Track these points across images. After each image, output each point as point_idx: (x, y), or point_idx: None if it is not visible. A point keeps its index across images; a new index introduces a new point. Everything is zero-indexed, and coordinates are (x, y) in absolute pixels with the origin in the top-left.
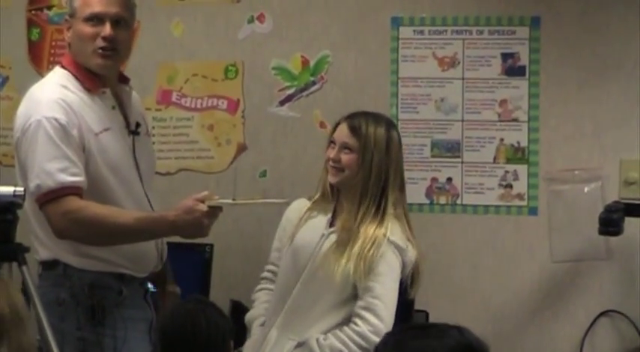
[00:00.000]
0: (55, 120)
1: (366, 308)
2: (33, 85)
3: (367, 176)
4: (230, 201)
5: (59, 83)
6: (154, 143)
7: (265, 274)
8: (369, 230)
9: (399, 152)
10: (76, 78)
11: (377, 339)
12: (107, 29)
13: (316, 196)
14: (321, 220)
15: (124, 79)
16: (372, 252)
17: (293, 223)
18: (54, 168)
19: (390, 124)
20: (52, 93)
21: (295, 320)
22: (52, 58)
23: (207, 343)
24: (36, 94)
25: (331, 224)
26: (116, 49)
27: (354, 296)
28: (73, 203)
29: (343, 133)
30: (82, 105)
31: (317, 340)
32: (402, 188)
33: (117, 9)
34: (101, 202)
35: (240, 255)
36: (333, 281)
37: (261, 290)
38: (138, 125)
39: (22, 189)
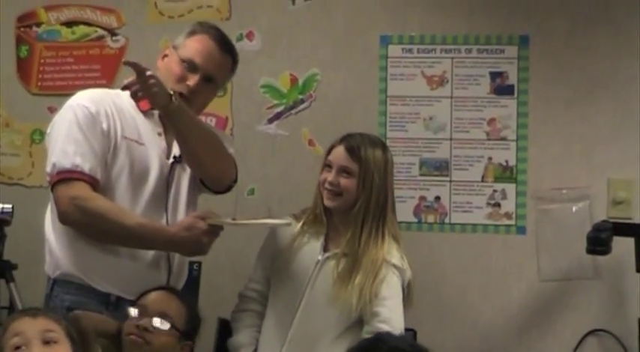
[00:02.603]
0: (86, 107)
1: (374, 334)
2: (21, 102)
3: (368, 199)
4: (230, 220)
5: (114, 92)
6: None
7: (249, 293)
8: (371, 254)
9: (393, 173)
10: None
11: None
12: (195, 80)
13: (304, 218)
14: (313, 245)
15: None
16: (375, 278)
17: (281, 244)
18: (73, 150)
19: (384, 146)
20: (96, 91)
21: (302, 351)
22: (40, 75)
23: None
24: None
25: (325, 248)
26: (192, 100)
27: (359, 322)
28: (83, 190)
29: (341, 156)
30: (123, 111)
31: None
32: (394, 208)
33: (214, 68)
34: (115, 202)
35: (229, 273)
36: (338, 309)
37: (244, 310)
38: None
39: (9, 206)
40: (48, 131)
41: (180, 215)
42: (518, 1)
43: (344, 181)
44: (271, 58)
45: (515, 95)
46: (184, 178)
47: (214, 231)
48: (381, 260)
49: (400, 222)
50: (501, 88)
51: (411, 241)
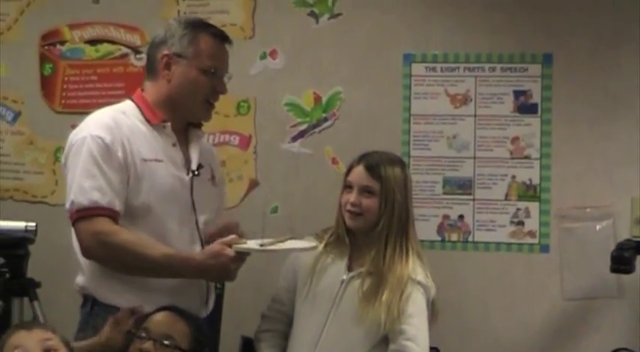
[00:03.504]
0: (100, 139)
1: None
2: (45, 120)
3: (390, 217)
4: (258, 247)
5: (119, 109)
6: None
7: (272, 313)
8: (397, 271)
9: (412, 189)
10: (140, 110)
11: None
12: (224, 87)
13: (327, 239)
14: (338, 265)
15: (197, 123)
16: (401, 295)
17: (304, 265)
18: (90, 186)
19: (403, 163)
20: (105, 115)
21: None
22: (64, 93)
23: None
24: (91, 115)
25: (349, 268)
26: (217, 99)
27: (385, 340)
28: (105, 225)
29: (362, 176)
30: (135, 132)
31: None
32: (414, 224)
33: (227, 64)
34: (145, 229)
35: (252, 291)
36: (365, 327)
37: (267, 331)
38: (200, 166)
39: (33, 224)
40: (63, 161)
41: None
42: (542, 20)
43: (366, 201)
44: (295, 76)
45: (539, 113)
46: (207, 193)
47: (241, 257)
48: (406, 277)
49: (423, 241)
50: (525, 107)
51: (435, 259)
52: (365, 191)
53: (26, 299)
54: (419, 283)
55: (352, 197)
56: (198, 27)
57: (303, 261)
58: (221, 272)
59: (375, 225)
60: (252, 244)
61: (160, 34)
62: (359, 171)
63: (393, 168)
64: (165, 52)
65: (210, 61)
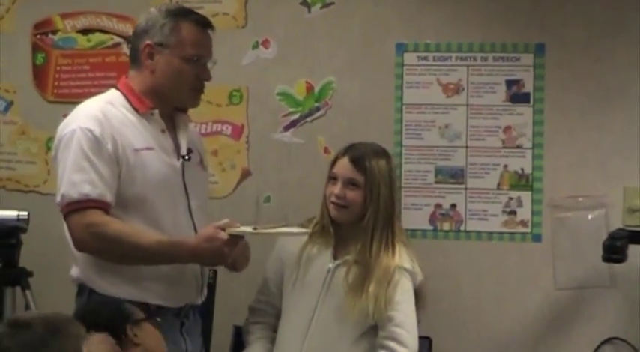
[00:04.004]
0: (90, 131)
1: (391, 338)
2: (37, 109)
3: (376, 210)
4: (251, 229)
5: (106, 100)
6: None
7: (259, 305)
8: (384, 263)
9: (397, 181)
10: (127, 98)
11: None
12: (208, 73)
13: (312, 228)
14: (324, 254)
15: (183, 108)
16: (388, 284)
17: (290, 255)
18: (80, 179)
19: (388, 155)
20: (94, 107)
21: None
22: (56, 83)
23: None
24: (79, 107)
25: (334, 256)
26: (204, 86)
27: (373, 328)
28: (97, 217)
29: (347, 168)
30: (124, 122)
31: None
32: (399, 216)
33: (211, 49)
34: (142, 218)
35: (244, 281)
36: (353, 317)
37: (256, 323)
38: (189, 151)
39: (25, 213)
40: (53, 153)
41: (204, 215)
42: (534, 10)
43: (350, 194)
44: (287, 66)
45: (531, 103)
46: (197, 177)
47: (235, 241)
48: (393, 267)
49: (415, 230)
50: (517, 96)
51: (427, 249)
52: (350, 183)
53: (18, 289)
54: (405, 269)
55: (337, 189)
56: (179, 15)
57: (288, 251)
58: (215, 255)
59: (361, 218)
60: (245, 228)
61: (141, 23)
62: (344, 163)
63: (378, 160)
64: (148, 42)
65: (193, 49)
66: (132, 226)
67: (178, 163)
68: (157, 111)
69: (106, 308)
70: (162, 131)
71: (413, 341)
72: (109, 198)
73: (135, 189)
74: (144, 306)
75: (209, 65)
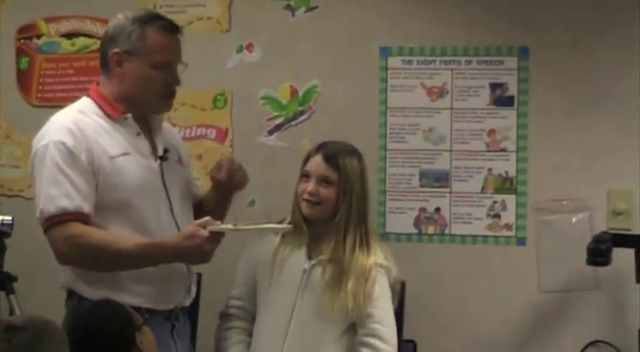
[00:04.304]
0: (62, 144)
1: (371, 335)
2: (21, 113)
3: (349, 208)
4: (231, 226)
5: (77, 109)
6: None
7: (232, 311)
8: (360, 260)
9: (368, 180)
10: (98, 105)
11: None
12: (178, 77)
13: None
14: (297, 254)
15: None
16: (366, 281)
17: (263, 257)
18: (56, 193)
19: (359, 154)
20: (65, 118)
21: None
22: (40, 87)
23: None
24: (51, 120)
25: (309, 256)
26: (175, 91)
27: (352, 326)
28: (76, 229)
29: (320, 166)
30: (97, 130)
31: None
32: (370, 214)
33: (180, 53)
34: (127, 223)
35: (229, 284)
36: (332, 316)
37: (230, 328)
38: (166, 151)
39: (10, 218)
40: (30, 168)
41: (187, 214)
42: (518, 13)
43: (324, 191)
44: (271, 70)
45: (515, 106)
46: (177, 175)
47: (216, 238)
48: (370, 264)
49: (400, 234)
50: (501, 99)
51: (411, 252)
52: (323, 181)
53: (2, 293)
54: (380, 266)
55: (310, 186)
56: (145, 22)
57: (260, 254)
58: (196, 253)
59: (333, 216)
60: (226, 225)
61: (109, 29)
62: (317, 160)
63: (350, 158)
64: (116, 50)
65: (161, 56)
66: (111, 233)
67: (156, 164)
68: (130, 115)
69: (112, 324)
70: (138, 134)
71: (393, 337)
72: (87, 208)
73: (115, 195)
74: (134, 310)
75: (180, 68)
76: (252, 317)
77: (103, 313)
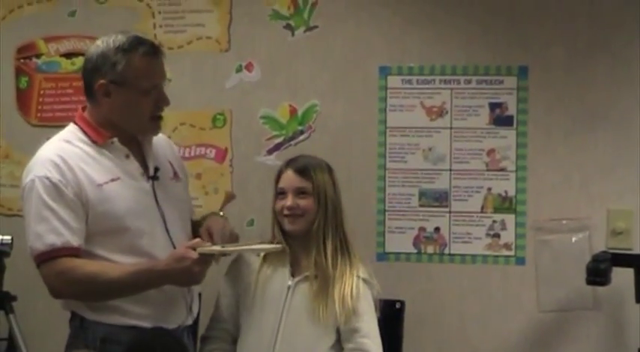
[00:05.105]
0: (47, 178)
1: (359, 349)
2: (21, 133)
3: (325, 213)
4: (219, 247)
5: (63, 138)
6: None
7: (214, 333)
8: (342, 269)
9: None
10: (84, 132)
11: None
12: (166, 97)
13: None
14: (280, 272)
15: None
16: (351, 290)
17: (245, 278)
18: (43, 229)
19: (329, 166)
20: (50, 151)
21: None
22: (40, 107)
23: None
24: (38, 152)
25: (293, 274)
26: (163, 111)
27: (338, 341)
28: (66, 264)
29: (293, 180)
30: (84, 158)
31: None
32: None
33: (165, 74)
34: (123, 247)
35: None
36: (321, 326)
37: (214, 350)
38: (157, 170)
39: (9, 237)
40: (20, 195)
41: (183, 231)
42: (517, 32)
43: (302, 202)
44: (270, 89)
45: (515, 126)
46: (171, 193)
47: (205, 259)
48: (354, 275)
49: (400, 253)
50: (500, 119)
51: (411, 272)
52: (299, 193)
53: (2, 313)
54: (364, 281)
55: (288, 201)
56: (128, 50)
57: (242, 275)
58: (186, 275)
59: (312, 225)
60: (215, 246)
61: (92, 57)
62: (289, 175)
63: (320, 168)
64: (102, 81)
65: (149, 81)
66: (101, 264)
67: (148, 185)
68: (115, 139)
69: None
70: (127, 156)
71: (377, 349)
72: (76, 242)
73: (107, 222)
74: (137, 329)
75: (165, 83)
76: (234, 340)
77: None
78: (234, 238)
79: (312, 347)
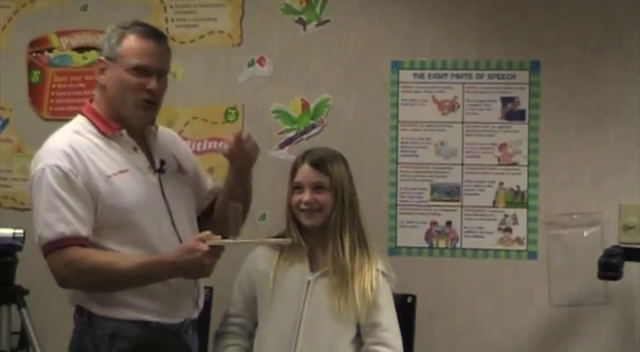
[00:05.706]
0: (58, 168)
1: (380, 344)
2: (33, 127)
3: (342, 208)
4: (231, 240)
5: (72, 129)
6: None
7: (231, 329)
8: (362, 264)
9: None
10: (93, 123)
11: None
12: (154, 83)
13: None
14: (299, 268)
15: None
16: (371, 288)
17: (262, 274)
18: (53, 218)
19: (343, 158)
20: (61, 141)
21: None
22: (52, 101)
23: None
24: (48, 142)
25: (312, 269)
26: (156, 101)
27: (357, 335)
28: (75, 253)
29: (310, 174)
30: (93, 150)
31: None
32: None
33: (163, 62)
34: (129, 240)
35: None
36: (343, 320)
37: (230, 346)
38: (163, 163)
39: (21, 231)
40: (28, 192)
41: (189, 225)
42: (529, 27)
43: (320, 197)
44: (282, 84)
45: (527, 120)
46: (177, 186)
47: (215, 252)
48: (372, 268)
49: (411, 247)
50: (512, 114)
51: (422, 266)
52: (317, 187)
53: (14, 307)
54: (383, 274)
55: (305, 196)
56: (125, 28)
57: (259, 270)
58: (196, 267)
59: (329, 219)
60: (225, 239)
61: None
62: (306, 169)
63: (336, 160)
64: (100, 57)
65: (137, 59)
66: (111, 254)
67: (155, 178)
68: (124, 131)
69: None
70: (135, 149)
71: (399, 343)
72: (85, 232)
73: (115, 214)
74: (143, 324)
75: (166, 76)
76: (250, 335)
77: None
78: (251, 142)
79: (334, 341)
